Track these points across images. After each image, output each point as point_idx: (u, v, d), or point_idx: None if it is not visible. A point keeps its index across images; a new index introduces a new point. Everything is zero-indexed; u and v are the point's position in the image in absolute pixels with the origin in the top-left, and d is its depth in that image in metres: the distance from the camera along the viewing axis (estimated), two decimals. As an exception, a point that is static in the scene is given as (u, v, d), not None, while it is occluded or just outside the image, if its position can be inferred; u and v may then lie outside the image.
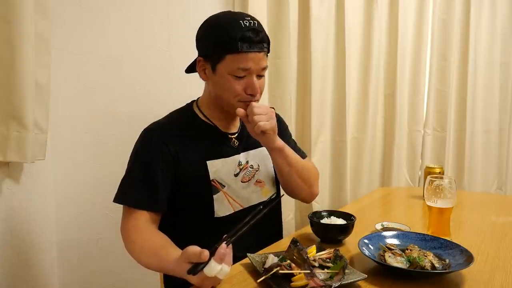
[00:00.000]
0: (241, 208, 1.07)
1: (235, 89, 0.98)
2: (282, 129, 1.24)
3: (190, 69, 1.13)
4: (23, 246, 1.17)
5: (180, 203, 1.04)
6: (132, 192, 0.98)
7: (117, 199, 1.00)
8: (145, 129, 1.05)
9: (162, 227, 1.08)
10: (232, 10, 1.61)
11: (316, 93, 1.84)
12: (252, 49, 0.95)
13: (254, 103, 0.98)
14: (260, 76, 1.01)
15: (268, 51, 1.03)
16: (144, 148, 1.02)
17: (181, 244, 1.07)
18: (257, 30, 0.96)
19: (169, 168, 1.00)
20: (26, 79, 1.00)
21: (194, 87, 1.23)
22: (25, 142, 1.01)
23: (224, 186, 1.05)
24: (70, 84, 1.38)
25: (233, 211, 1.06)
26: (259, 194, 1.11)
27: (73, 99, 1.39)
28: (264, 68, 1.01)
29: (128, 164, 1.04)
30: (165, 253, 0.88)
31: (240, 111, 0.97)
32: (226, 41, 0.94)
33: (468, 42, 2.23)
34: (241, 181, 1.08)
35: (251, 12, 1.61)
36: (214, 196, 1.03)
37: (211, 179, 1.03)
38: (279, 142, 1.03)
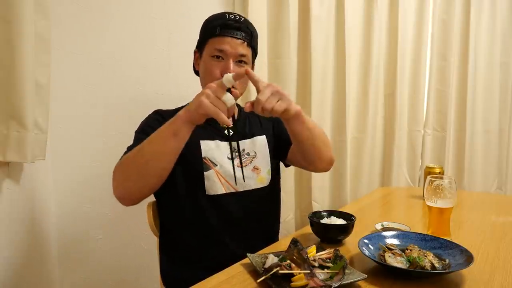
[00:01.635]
0: (235, 190, 1.10)
1: (212, 71, 1.06)
2: (279, 120, 1.25)
3: (196, 70, 1.21)
4: (23, 246, 1.17)
5: (174, 181, 1.06)
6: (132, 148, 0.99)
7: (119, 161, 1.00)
8: (151, 112, 1.14)
9: (157, 209, 1.15)
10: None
11: (316, 93, 1.84)
12: (229, 33, 1.06)
13: (260, 94, 0.88)
14: (239, 63, 1.08)
15: (250, 43, 1.09)
16: (148, 122, 1.10)
17: (177, 225, 1.10)
18: (238, 21, 1.08)
19: None
20: (26, 79, 1.00)
21: (193, 87, 1.24)
22: (25, 142, 1.01)
23: (216, 165, 1.09)
24: (70, 84, 1.38)
25: (225, 192, 1.09)
26: (254, 180, 1.14)
27: (73, 99, 1.39)
28: (242, 55, 1.08)
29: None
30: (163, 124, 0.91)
31: (247, 107, 0.91)
32: (209, 28, 1.09)
33: (468, 42, 2.23)
34: (237, 166, 1.12)
35: (251, 12, 1.61)
36: (205, 173, 1.06)
37: (202, 156, 1.07)
38: (295, 108, 0.94)
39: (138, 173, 0.92)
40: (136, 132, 1.09)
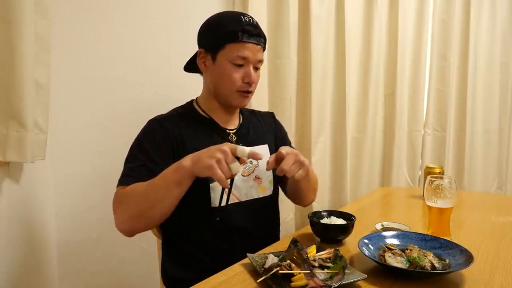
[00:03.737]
0: (238, 201, 1.10)
1: (233, 77, 1.05)
2: (282, 136, 1.29)
3: (188, 66, 1.18)
4: (23, 246, 1.16)
5: None
6: (132, 174, 1.00)
7: (119, 184, 1.01)
8: (148, 120, 1.10)
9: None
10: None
11: (316, 93, 1.84)
12: (251, 40, 1.04)
13: (284, 162, 0.92)
14: (256, 68, 1.09)
15: (264, 48, 1.11)
16: (146, 135, 1.07)
17: (178, 233, 1.09)
18: (256, 26, 1.07)
19: (169, 153, 1.04)
20: (26, 79, 1.00)
21: (193, 87, 1.24)
22: (25, 142, 1.01)
23: None
24: (70, 84, 1.38)
25: (229, 203, 1.07)
26: (256, 190, 1.14)
27: (73, 99, 1.39)
28: (260, 61, 1.09)
29: (129, 151, 1.06)
30: (167, 169, 0.92)
31: (269, 167, 0.95)
32: (228, 32, 1.04)
33: (468, 42, 2.23)
34: (242, 175, 1.11)
35: (251, 12, 1.61)
36: (211, 185, 1.05)
37: None
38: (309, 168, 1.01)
39: (141, 216, 0.94)
40: (133, 148, 1.06)
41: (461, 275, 0.86)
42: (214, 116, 1.14)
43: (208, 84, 1.14)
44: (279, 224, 1.28)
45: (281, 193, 1.27)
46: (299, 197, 1.23)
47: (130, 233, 0.98)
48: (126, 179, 1.00)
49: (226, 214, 1.07)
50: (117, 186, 1.00)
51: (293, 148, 1.28)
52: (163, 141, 1.04)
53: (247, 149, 0.86)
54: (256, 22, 1.08)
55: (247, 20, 1.05)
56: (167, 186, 0.91)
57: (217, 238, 1.08)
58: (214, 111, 1.14)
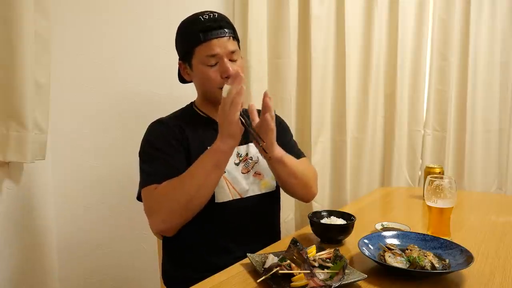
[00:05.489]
0: (240, 197, 1.10)
1: (211, 77, 1.04)
2: (282, 130, 1.27)
3: (181, 79, 1.20)
4: (23, 246, 1.16)
5: None
6: (155, 172, 1.00)
7: (141, 187, 1.01)
8: (150, 124, 1.11)
9: None
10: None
11: (316, 93, 1.84)
12: (213, 35, 1.03)
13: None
14: (233, 61, 1.06)
15: (234, 37, 1.08)
16: (155, 135, 1.08)
17: (183, 232, 1.09)
18: (216, 19, 1.05)
19: (180, 147, 1.05)
20: (26, 79, 1.00)
21: (193, 87, 1.24)
22: (25, 142, 1.01)
23: (225, 172, 1.07)
24: (70, 84, 1.38)
25: (232, 199, 1.08)
26: (258, 186, 1.14)
27: (73, 99, 1.39)
28: (233, 52, 1.06)
29: (141, 156, 1.06)
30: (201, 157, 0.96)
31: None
32: (190, 37, 1.05)
33: (468, 42, 2.23)
34: (241, 172, 1.11)
35: (251, 12, 1.61)
36: None
37: None
38: (278, 151, 1.03)
39: (184, 209, 0.95)
40: (145, 151, 1.06)
41: (461, 275, 0.86)
42: (212, 115, 1.15)
43: (197, 89, 1.16)
44: (280, 221, 1.28)
45: (281, 193, 1.27)
46: (289, 191, 1.17)
47: (171, 230, 0.99)
48: (153, 178, 0.99)
49: (230, 211, 1.08)
50: (142, 188, 1.00)
51: (295, 141, 1.29)
52: (172, 137, 1.06)
53: (228, 86, 0.92)
54: (218, 14, 1.07)
55: (206, 17, 1.04)
56: (206, 172, 0.93)
57: (219, 235, 1.08)
58: (211, 111, 1.14)
